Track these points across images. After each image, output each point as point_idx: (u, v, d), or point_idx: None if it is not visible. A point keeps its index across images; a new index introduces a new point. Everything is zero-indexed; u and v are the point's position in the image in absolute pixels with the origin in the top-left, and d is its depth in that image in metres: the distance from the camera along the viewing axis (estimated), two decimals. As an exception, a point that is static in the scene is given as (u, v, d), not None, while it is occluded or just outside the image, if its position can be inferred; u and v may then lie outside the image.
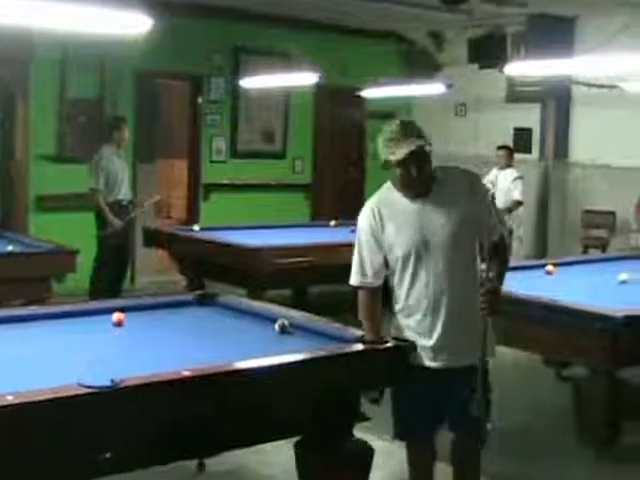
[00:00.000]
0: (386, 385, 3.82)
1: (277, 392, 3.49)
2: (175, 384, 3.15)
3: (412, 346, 3.78)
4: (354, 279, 3.91)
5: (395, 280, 3.84)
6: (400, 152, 3.63)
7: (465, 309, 3.77)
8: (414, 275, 3.76)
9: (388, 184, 3.85)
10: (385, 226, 3.79)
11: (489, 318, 3.72)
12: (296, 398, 3.58)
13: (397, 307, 3.87)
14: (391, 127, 3.71)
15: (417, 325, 3.79)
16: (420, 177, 3.69)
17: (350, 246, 8.44)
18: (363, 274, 3.86)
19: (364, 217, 3.86)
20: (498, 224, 3.82)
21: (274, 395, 3.48)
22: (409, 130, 3.68)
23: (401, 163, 3.65)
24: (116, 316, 4.35)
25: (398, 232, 3.76)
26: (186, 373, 3.18)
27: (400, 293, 3.83)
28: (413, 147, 3.63)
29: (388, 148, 3.67)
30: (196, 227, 8.97)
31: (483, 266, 3.82)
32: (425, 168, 3.70)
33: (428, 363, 3.78)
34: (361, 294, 3.89)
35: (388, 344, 3.80)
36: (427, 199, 3.75)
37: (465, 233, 3.73)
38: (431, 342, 3.77)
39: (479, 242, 3.75)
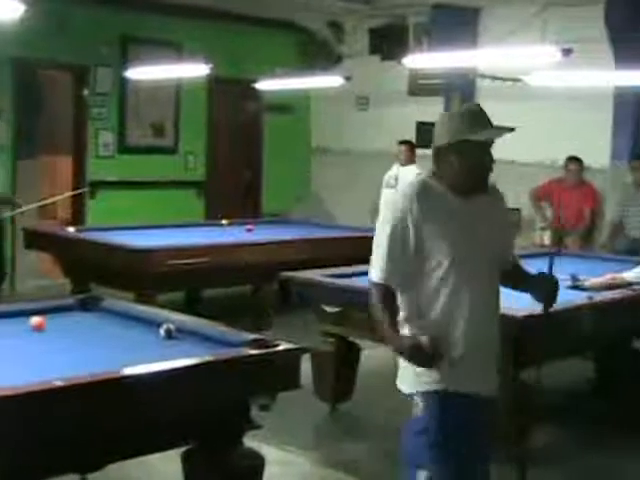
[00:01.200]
0: (277, 391, 3.84)
1: (161, 400, 3.47)
2: (47, 395, 3.11)
3: (303, 350, 3.81)
4: (375, 274, 3.43)
5: (424, 290, 3.39)
6: (486, 133, 3.37)
7: (495, 334, 3.54)
8: (455, 288, 3.35)
9: (426, 175, 3.49)
10: (425, 223, 3.33)
11: None
12: (182, 406, 3.57)
13: (417, 323, 3.41)
14: (469, 107, 3.46)
15: (450, 346, 3.36)
16: (488, 171, 3.45)
17: (246, 246, 8.54)
18: (384, 270, 3.39)
19: (397, 209, 3.38)
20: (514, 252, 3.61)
21: (158, 403, 3.47)
22: (488, 116, 3.42)
23: (480, 146, 3.38)
24: (35, 320, 4.32)
25: (443, 232, 3.35)
26: (59, 383, 3.15)
27: (429, 307, 3.38)
28: (503, 130, 3.41)
29: (469, 126, 3.34)
30: (71, 229, 8.81)
31: None
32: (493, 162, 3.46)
33: (472, 388, 3.43)
34: (378, 291, 3.43)
35: (278, 348, 3.81)
36: (477, 200, 3.43)
37: (500, 249, 3.53)
38: (463, 363, 3.38)
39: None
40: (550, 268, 3.63)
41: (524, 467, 3.93)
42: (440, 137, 3.43)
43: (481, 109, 3.42)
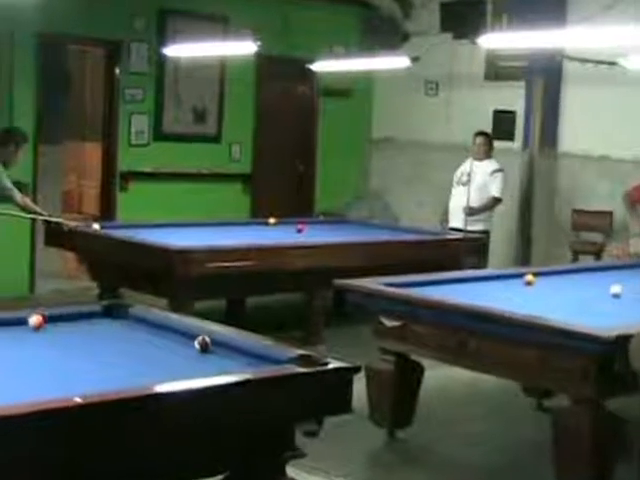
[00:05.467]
0: (325, 414, 3.82)
1: (194, 423, 3.48)
2: (66, 413, 3.13)
3: (357, 369, 3.79)
4: None
5: None
6: None
7: None
8: None
9: None
10: None
11: None
12: (217, 429, 3.57)
13: None
14: None
15: None
16: None
17: (296, 249, 8.56)
18: None
19: None
20: None
21: (190, 426, 3.47)
22: None
23: None
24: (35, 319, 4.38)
25: None
26: (78, 400, 3.16)
27: None
28: None
29: None
30: (96, 225, 8.84)
31: None
32: None
33: None
34: None
35: (329, 366, 3.80)
36: None
37: None
38: None
39: None
40: None
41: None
42: None
43: None
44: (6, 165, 8.47)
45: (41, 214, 8.53)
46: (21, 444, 3.06)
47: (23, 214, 8.54)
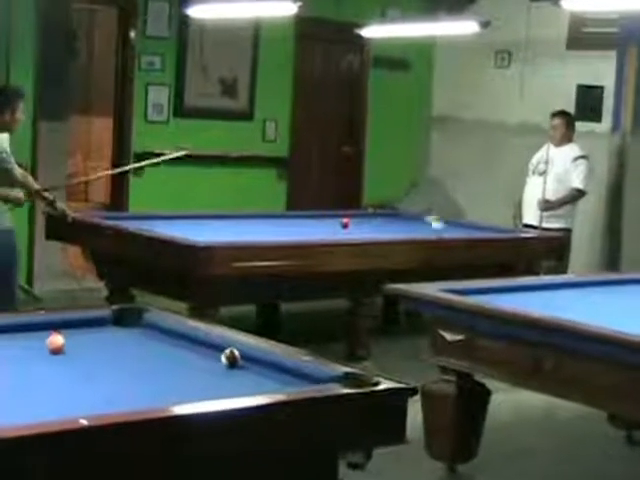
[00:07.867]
0: (374, 444, 3.81)
1: (218, 449, 3.48)
2: (69, 436, 3.14)
3: (413, 391, 3.77)
4: None
5: None
6: None
7: None
8: None
9: None
10: None
11: None
12: (244, 459, 3.57)
13: None
14: None
15: None
16: None
17: (341, 247, 8.55)
18: None
19: None
20: None
21: (214, 453, 3.47)
22: None
23: None
24: (53, 341, 4.36)
25: None
26: (84, 422, 3.17)
27: None
28: None
29: None
30: (106, 215, 8.83)
31: None
32: None
33: None
34: None
35: (379, 387, 3.78)
36: None
37: None
38: None
39: None
40: None
41: None
42: None
43: None
44: (9, 130, 8.42)
45: (45, 198, 8.49)
46: (21, 468, 3.08)
47: (22, 195, 8.54)
